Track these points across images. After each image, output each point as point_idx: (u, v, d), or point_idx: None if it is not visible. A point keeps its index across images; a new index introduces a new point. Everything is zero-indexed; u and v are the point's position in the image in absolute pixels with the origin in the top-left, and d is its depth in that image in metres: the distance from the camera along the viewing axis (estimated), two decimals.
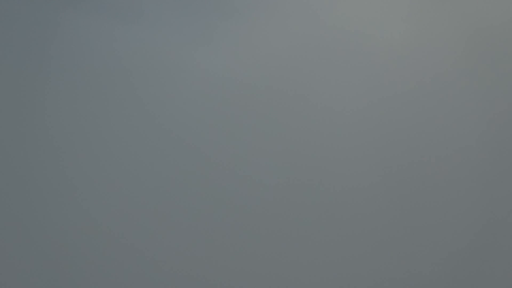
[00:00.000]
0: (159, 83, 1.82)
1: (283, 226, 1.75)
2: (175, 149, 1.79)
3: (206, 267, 1.75)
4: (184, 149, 1.79)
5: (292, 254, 1.75)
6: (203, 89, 1.81)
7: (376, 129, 1.78)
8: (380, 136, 1.78)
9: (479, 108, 1.78)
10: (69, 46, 1.84)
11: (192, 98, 1.80)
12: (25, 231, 1.78)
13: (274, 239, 1.76)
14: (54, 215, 1.78)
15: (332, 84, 1.79)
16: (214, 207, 1.77)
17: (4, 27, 1.85)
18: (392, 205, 1.75)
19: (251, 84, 1.80)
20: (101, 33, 1.84)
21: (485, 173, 1.76)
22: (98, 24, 1.84)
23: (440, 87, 1.78)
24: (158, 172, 1.78)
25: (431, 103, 1.78)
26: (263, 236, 1.76)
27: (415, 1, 1.82)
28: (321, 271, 1.75)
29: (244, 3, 1.83)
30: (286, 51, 1.81)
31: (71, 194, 1.79)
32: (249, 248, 1.75)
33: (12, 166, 1.80)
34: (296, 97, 1.79)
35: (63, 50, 1.83)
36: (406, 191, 1.76)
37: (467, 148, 1.77)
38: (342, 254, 1.75)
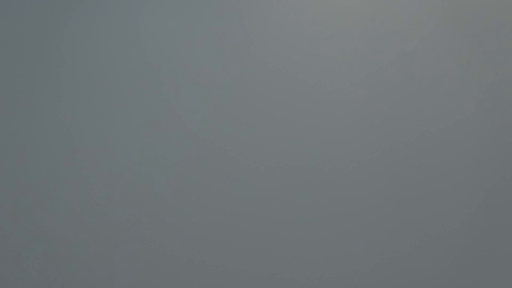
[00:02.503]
0: (161, 80, 1.82)
1: (287, 212, 1.74)
2: (179, 144, 1.78)
3: (213, 254, 1.75)
4: (188, 144, 1.78)
5: (293, 238, 1.75)
6: (203, 84, 1.81)
7: (373, 119, 1.78)
8: (378, 126, 1.77)
9: (479, 93, 1.77)
10: (72, 46, 1.83)
11: (193, 94, 1.81)
12: (35, 225, 1.78)
13: (278, 225, 1.74)
14: (65, 209, 1.78)
15: (331, 78, 1.77)
16: (220, 197, 1.76)
17: (7, 27, 1.86)
18: (391, 195, 1.74)
19: (250, 80, 1.81)
20: (101, 32, 1.84)
21: (484, 160, 1.73)
22: (98, 23, 1.86)
23: (439, 81, 1.77)
24: (162, 165, 1.78)
25: (431, 97, 1.75)
26: (267, 222, 1.75)
27: None
28: (319, 252, 1.75)
29: (243, 2, 1.84)
30: (285, 47, 1.81)
31: (79, 189, 1.79)
32: (254, 233, 1.75)
33: (19, 162, 1.81)
34: (296, 92, 1.79)
35: (65, 50, 1.83)
36: (406, 181, 1.74)
37: (466, 131, 1.76)
38: (340, 236, 1.74)
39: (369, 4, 1.79)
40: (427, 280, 1.72)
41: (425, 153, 1.74)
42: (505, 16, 1.76)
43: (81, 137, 1.81)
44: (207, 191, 1.78)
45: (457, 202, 1.73)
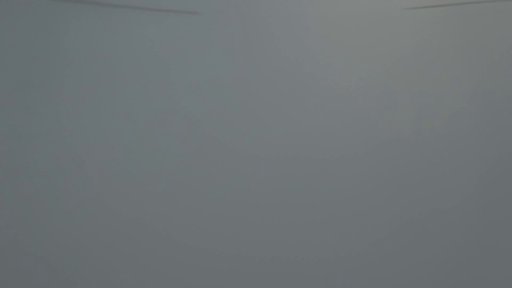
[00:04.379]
0: (166, 77, 1.81)
1: (290, 209, 1.75)
2: (185, 141, 1.78)
3: (216, 242, 1.76)
4: (193, 141, 1.78)
5: (295, 230, 1.76)
6: (207, 81, 1.82)
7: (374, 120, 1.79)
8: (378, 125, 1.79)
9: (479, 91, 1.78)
10: (77, 43, 1.84)
11: (197, 91, 1.82)
12: (36, 225, 1.78)
13: (282, 220, 1.75)
14: (69, 206, 1.78)
15: (332, 79, 1.78)
16: (224, 191, 1.77)
17: (7, 26, 1.86)
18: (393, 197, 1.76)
19: (256, 78, 1.81)
20: (102, 32, 1.85)
21: (481, 156, 1.74)
22: (99, 23, 1.86)
23: (440, 85, 1.79)
24: (167, 162, 1.78)
25: (429, 94, 1.76)
26: (270, 215, 1.75)
27: None
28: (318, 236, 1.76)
29: (244, 2, 1.84)
30: (286, 48, 1.82)
31: (83, 187, 1.79)
32: (258, 223, 1.76)
33: (21, 161, 1.81)
34: (299, 88, 1.80)
35: (67, 49, 1.84)
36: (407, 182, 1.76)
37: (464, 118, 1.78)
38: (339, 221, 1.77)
39: (372, 7, 1.81)
40: (426, 272, 1.73)
41: (423, 149, 1.76)
42: (502, 19, 1.79)
43: (85, 134, 1.81)
44: (213, 187, 1.79)
45: (454, 197, 1.74)
